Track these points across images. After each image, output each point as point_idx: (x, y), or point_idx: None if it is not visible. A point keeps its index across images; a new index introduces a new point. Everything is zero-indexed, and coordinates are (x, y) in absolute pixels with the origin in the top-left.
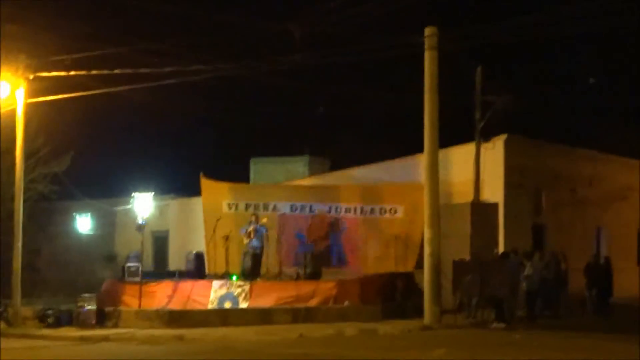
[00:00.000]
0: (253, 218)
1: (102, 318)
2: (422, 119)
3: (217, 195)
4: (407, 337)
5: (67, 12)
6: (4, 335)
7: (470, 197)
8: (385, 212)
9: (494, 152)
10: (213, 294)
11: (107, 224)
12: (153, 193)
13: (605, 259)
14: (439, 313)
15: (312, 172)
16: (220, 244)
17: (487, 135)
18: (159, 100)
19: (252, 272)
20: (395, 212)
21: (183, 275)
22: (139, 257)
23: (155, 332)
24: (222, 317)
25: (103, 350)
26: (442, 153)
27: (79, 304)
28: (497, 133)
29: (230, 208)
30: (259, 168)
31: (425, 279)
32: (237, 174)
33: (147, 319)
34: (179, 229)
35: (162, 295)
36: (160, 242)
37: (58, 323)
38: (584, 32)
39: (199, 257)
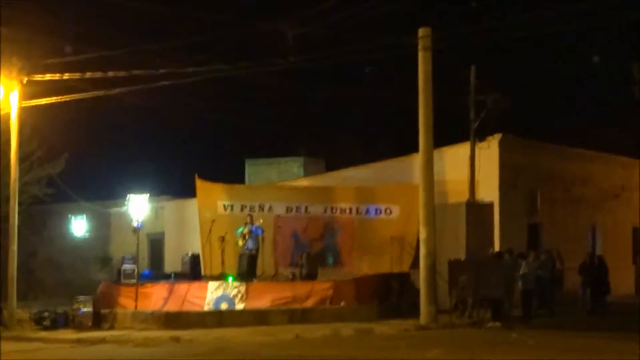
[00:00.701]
0: (248, 219)
1: (98, 320)
2: (416, 119)
3: (212, 196)
4: (404, 337)
5: (60, 15)
6: None
7: (465, 197)
8: (380, 212)
9: (489, 151)
10: (209, 295)
11: (102, 226)
12: (148, 195)
13: (597, 258)
14: (435, 313)
15: (307, 173)
16: (215, 245)
17: (482, 135)
18: (153, 102)
19: (248, 273)
20: (391, 212)
21: (179, 276)
22: (134, 259)
23: (152, 334)
24: (218, 318)
25: (99, 352)
26: (437, 153)
27: (75, 306)
28: (491, 133)
29: (225, 209)
30: (254, 169)
31: (421, 279)
32: (232, 175)
33: (143, 320)
34: (175, 231)
35: (158, 297)
36: (156, 244)
37: (54, 325)
38: (581, 30)
39: (194, 258)
